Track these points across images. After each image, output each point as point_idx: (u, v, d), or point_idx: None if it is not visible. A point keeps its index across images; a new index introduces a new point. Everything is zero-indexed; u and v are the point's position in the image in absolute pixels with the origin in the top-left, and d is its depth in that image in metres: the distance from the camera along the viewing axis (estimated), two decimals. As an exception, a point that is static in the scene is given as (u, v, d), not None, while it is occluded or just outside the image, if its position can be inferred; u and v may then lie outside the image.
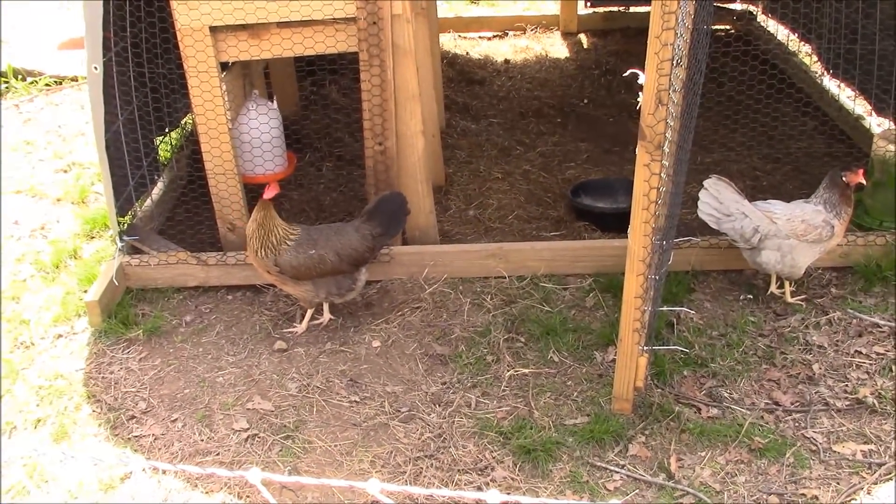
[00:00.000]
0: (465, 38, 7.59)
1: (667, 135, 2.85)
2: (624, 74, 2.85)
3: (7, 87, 6.42)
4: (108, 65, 3.99)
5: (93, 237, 4.68)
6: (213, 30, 3.94)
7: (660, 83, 2.75)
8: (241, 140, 4.43)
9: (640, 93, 2.82)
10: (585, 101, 6.23)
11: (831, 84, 5.88)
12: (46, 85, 6.57)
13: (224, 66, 4.24)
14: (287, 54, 4.09)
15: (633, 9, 7.56)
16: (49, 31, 7.39)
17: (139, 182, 4.47)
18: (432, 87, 4.91)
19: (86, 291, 4.07)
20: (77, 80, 6.53)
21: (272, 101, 4.61)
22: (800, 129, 5.61)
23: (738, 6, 7.50)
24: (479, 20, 7.81)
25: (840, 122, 5.60)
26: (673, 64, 2.78)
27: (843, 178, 3.81)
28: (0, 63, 6.52)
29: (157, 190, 4.78)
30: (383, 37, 3.93)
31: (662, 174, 2.92)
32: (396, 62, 4.04)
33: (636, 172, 2.88)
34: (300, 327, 3.91)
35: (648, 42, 2.73)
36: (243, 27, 3.97)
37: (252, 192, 4.56)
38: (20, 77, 6.60)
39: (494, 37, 7.59)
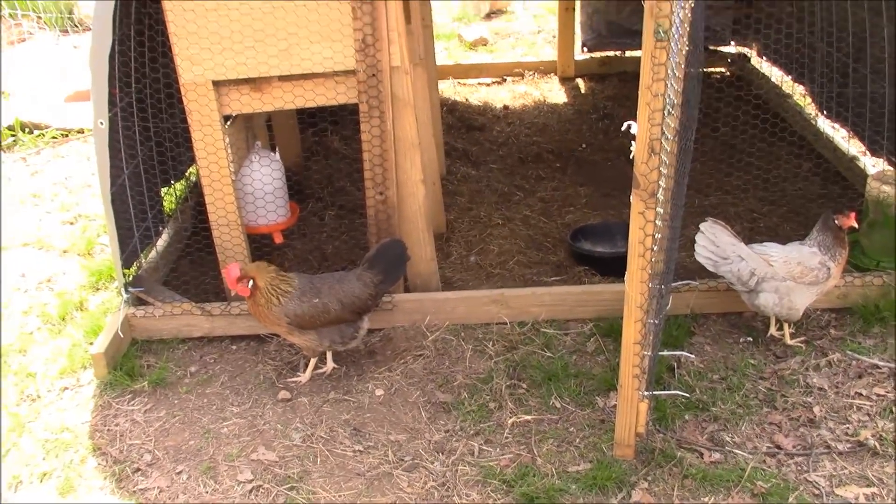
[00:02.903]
0: (464, 84, 7.70)
1: (660, 183, 2.91)
2: (622, 128, 2.91)
3: (14, 141, 6.52)
4: (113, 120, 4.06)
5: (98, 289, 4.73)
6: (216, 84, 4.03)
7: (652, 133, 2.81)
8: (244, 191, 4.50)
9: (633, 142, 2.88)
10: (584, 145, 6.32)
11: (826, 125, 5.96)
12: (53, 137, 6.67)
13: (227, 119, 4.31)
14: (289, 107, 4.17)
15: (628, 53, 7.68)
16: (56, 83, 7.53)
17: (144, 234, 4.53)
18: (432, 135, 4.99)
19: (91, 343, 4.11)
20: (83, 133, 6.63)
21: (275, 152, 4.68)
22: (795, 170, 5.69)
23: (732, 49, 7.61)
24: (477, 67, 7.94)
25: (835, 162, 5.67)
26: (664, 113, 2.84)
27: (836, 221, 3.86)
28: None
29: (161, 241, 4.84)
30: (382, 88, 4.02)
31: (658, 221, 2.97)
32: (396, 113, 4.12)
33: (631, 220, 2.94)
34: (304, 377, 3.94)
35: (640, 93, 2.80)
36: (246, 81, 4.05)
37: (255, 242, 4.63)
38: (27, 130, 6.70)
39: (493, 83, 7.71)
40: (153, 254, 4.70)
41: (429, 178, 4.70)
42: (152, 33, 4.40)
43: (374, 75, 3.99)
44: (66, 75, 7.70)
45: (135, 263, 4.47)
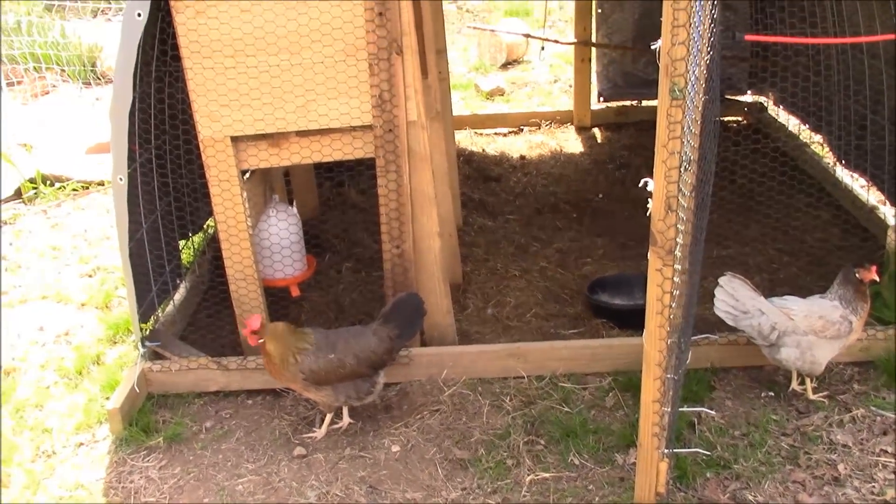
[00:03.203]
0: (481, 134, 7.74)
1: (678, 240, 2.89)
2: (640, 185, 2.90)
3: (36, 193, 6.59)
4: (132, 175, 4.10)
5: (116, 342, 4.74)
6: (235, 139, 4.07)
7: (669, 190, 2.80)
8: (261, 245, 4.52)
9: (650, 199, 2.87)
10: (600, 195, 6.31)
11: (844, 174, 5.94)
12: (74, 190, 6.74)
13: (245, 173, 4.34)
14: (306, 162, 4.20)
15: (645, 103, 7.71)
16: (77, 135, 7.62)
17: (162, 288, 4.55)
18: (448, 187, 5.00)
19: (108, 398, 4.10)
20: (104, 185, 6.70)
21: (292, 206, 4.71)
22: (814, 220, 5.66)
23: (748, 98, 7.62)
24: (493, 117, 7.99)
25: (854, 212, 5.64)
26: (681, 170, 2.83)
27: (857, 275, 3.82)
28: None
29: (179, 294, 4.85)
30: (399, 143, 4.04)
31: (675, 278, 2.94)
32: (412, 167, 4.14)
33: (649, 278, 2.91)
34: (319, 432, 3.91)
35: (656, 150, 2.79)
36: (263, 137, 4.09)
37: (272, 295, 4.63)
38: (49, 182, 6.77)
39: (510, 133, 7.75)
40: (170, 307, 4.71)
41: (445, 230, 4.70)
42: (172, 90, 4.45)
43: (390, 130, 4.01)
44: (87, 127, 7.80)
45: (152, 317, 4.48)
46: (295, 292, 4.71)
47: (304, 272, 4.71)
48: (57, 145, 7.47)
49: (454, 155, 5.70)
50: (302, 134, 4.09)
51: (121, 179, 4.00)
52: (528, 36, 8.96)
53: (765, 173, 5.87)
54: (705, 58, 3.07)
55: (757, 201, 5.87)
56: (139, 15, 3.72)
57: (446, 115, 5.43)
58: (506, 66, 10.24)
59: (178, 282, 4.89)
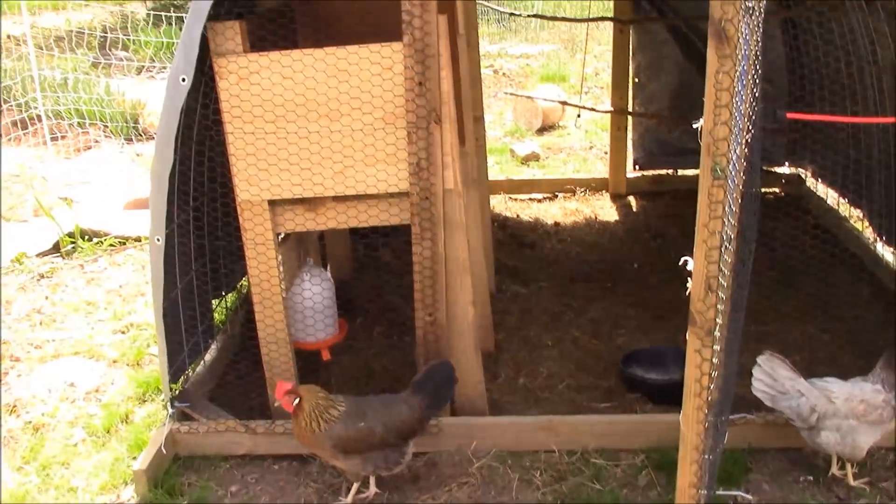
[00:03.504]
0: (515, 199, 7.75)
1: (717, 320, 2.84)
2: (679, 264, 2.86)
3: (74, 248, 6.67)
4: (169, 236, 4.13)
5: (145, 401, 4.73)
6: (272, 203, 4.09)
7: (709, 270, 2.76)
8: (294, 308, 4.51)
9: (689, 278, 2.83)
10: (635, 265, 6.26)
11: (885, 251, 5.84)
12: (111, 245, 6.81)
13: (280, 236, 4.35)
14: (342, 226, 4.21)
15: (680, 172, 7.69)
16: (117, 190, 7.74)
17: (193, 348, 4.55)
18: (482, 254, 4.98)
19: (135, 458, 4.08)
20: (140, 241, 6.77)
21: (325, 269, 4.71)
22: (855, 297, 5.55)
23: (786, 170, 7.58)
24: (529, 182, 8.00)
25: (896, 290, 5.53)
26: (721, 250, 2.79)
27: (902, 359, 3.73)
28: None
29: (210, 354, 4.85)
30: (435, 211, 4.03)
31: (714, 359, 2.88)
32: (448, 235, 4.13)
33: (688, 359, 2.86)
34: (346, 501, 3.84)
35: (696, 229, 2.76)
36: (301, 201, 4.11)
37: (303, 358, 4.60)
38: (87, 237, 6.86)
39: (545, 199, 7.74)
40: (201, 367, 4.71)
41: (478, 297, 4.68)
42: (212, 154, 4.51)
43: (427, 198, 4.01)
44: (126, 182, 7.92)
45: (182, 377, 4.47)
46: (326, 356, 4.69)
47: (335, 336, 4.69)
48: (96, 200, 7.58)
49: (489, 221, 5.69)
50: (339, 199, 4.11)
51: (158, 240, 4.03)
52: (564, 103, 9.03)
53: (803, 247, 5.80)
54: (746, 136, 3.05)
55: (796, 275, 5.79)
56: (183, 80, 3.78)
57: (482, 182, 5.44)
58: (541, 131, 10.30)
59: (209, 341, 4.89)
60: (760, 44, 3.10)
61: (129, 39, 12.52)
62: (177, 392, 4.34)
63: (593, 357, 5.05)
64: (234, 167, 4.03)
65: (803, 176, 7.43)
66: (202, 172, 4.50)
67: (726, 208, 2.74)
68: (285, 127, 3.92)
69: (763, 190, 7.40)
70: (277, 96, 3.88)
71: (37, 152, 9.36)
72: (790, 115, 3.85)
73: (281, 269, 4.22)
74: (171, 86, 3.81)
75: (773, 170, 7.54)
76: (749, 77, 2.99)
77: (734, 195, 2.93)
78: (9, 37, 14.02)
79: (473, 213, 4.84)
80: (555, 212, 7.40)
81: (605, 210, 7.44)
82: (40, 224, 7.04)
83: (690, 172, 7.58)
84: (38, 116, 9.44)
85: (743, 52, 2.80)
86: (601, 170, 8.52)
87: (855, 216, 6.47)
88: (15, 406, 4.68)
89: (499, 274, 6.03)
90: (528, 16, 11.20)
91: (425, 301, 4.17)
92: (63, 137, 9.66)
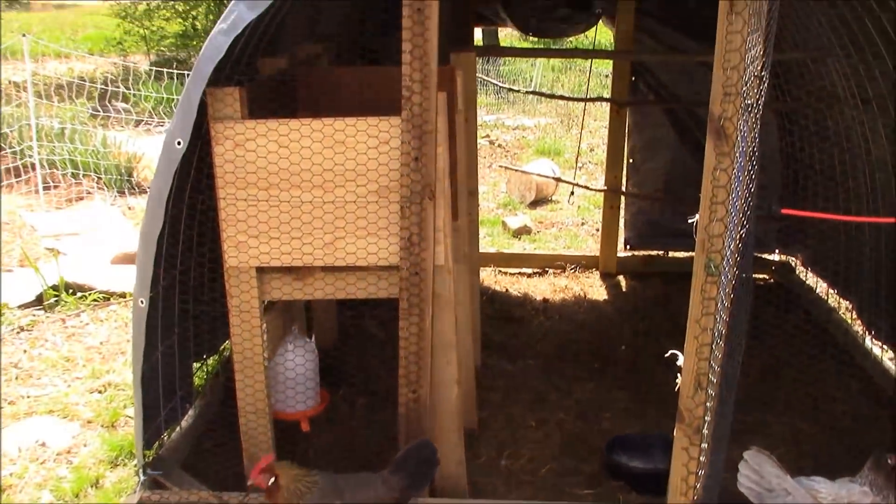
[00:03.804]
0: (505, 273, 7.72)
1: (706, 418, 2.78)
2: (665, 356, 2.82)
3: (57, 301, 6.59)
4: (153, 298, 4.07)
5: (117, 465, 4.60)
6: (260, 271, 4.04)
7: (699, 367, 2.71)
8: (276, 377, 4.44)
9: (679, 374, 2.78)
10: (623, 346, 6.20)
11: (874, 345, 5.81)
12: (94, 300, 6.73)
13: (266, 304, 4.29)
14: (329, 297, 4.16)
15: (672, 253, 7.69)
16: (105, 243, 7.68)
17: (170, 413, 4.45)
18: (470, 330, 4.93)
19: (101, 526, 3.95)
20: (125, 297, 6.69)
21: (310, 339, 4.64)
22: (843, 390, 5.50)
23: (776, 258, 7.59)
24: (519, 256, 7.98)
25: (884, 385, 5.48)
26: (712, 346, 2.75)
27: (889, 461, 3.66)
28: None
29: (187, 419, 4.74)
30: (424, 287, 3.99)
31: (701, 457, 2.82)
32: (436, 311, 4.08)
33: (674, 456, 2.79)
34: (317, 583, 3.71)
35: (688, 325, 2.72)
36: (289, 270, 4.06)
37: (282, 429, 4.50)
38: (71, 291, 6.77)
39: (534, 273, 7.71)
40: (177, 433, 4.60)
41: (463, 375, 4.61)
42: (203, 217, 4.47)
43: (416, 273, 3.97)
44: (115, 236, 7.87)
45: (157, 443, 4.37)
46: (306, 427, 4.59)
47: (316, 407, 4.61)
48: (84, 253, 7.52)
49: (477, 296, 5.65)
50: (328, 269, 4.07)
51: (142, 302, 3.97)
52: (558, 180, 9.07)
53: (792, 337, 5.77)
54: (741, 231, 3.04)
55: (783, 366, 5.74)
56: (179, 143, 3.76)
57: (473, 256, 5.42)
58: (534, 204, 10.33)
59: (187, 406, 4.79)
60: (758, 139, 3.11)
61: (129, 92, 12.59)
62: (150, 458, 4.23)
63: (578, 440, 4.96)
64: (223, 232, 3.98)
65: (794, 264, 7.44)
66: (191, 235, 4.45)
67: (719, 304, 2.71)
68: (278, 195, 3.90)
69: (753, 276, 7.48)
70: (272, 164, 3.86)
71: (28, 201, 9.32)
72: (785, 211, 3.89)
73: (265, 337, 4.15)
74: (166, 148, 3.79)
75: (763, 256, 7.55)
76: (746, 172, 3.00)
77: (726, 289, 2.91)
78: (10, 82, 14.11)
79: (463, 288, 4.80)
80: (544, 288, 7.37)
81: (594, 288, 7.41)
82: (25, 275, 6.97)
83: (681, 254, 7.59)
84: (33, 165, 9.42)
85: (740, 148, 2.81)
86: (592, 246, 8.52)
87: (844, 307, 6.46)
88: (-18, 464, 4.56)
89: (485, 349, 5.97)
90: (527, 92, 11.32)
91: (409, 378, 4.10)
92: (56, 187, 9.64)
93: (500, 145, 14.24)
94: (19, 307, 6.46)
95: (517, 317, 6.69)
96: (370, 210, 3.91)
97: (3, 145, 10.00)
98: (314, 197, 3.90)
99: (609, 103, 7.44)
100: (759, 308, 6.08)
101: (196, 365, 5.00)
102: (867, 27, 4.60)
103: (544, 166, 10.62)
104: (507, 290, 7.30)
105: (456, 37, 6.77)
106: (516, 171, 9.97)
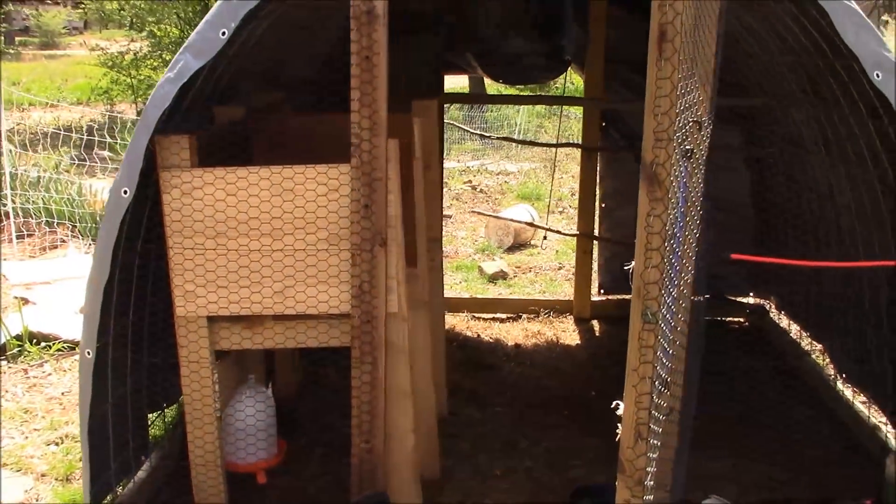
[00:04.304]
0: (479, 318, 7.65)
1: (649, 469, 2.71)
2: (612, 406, 2.77)
3: (20, 351, 6.50)
4: (102, 349, 3.99)
5: (69, 520, 4.50)
6: (210, 320, 3.99)
7: (639, 416, 2.65)
8: (230, 428, 4.36)
9: (620, 424, 2.72)
10: (594, 392, 6.12)
11: (845, 389, 5.75)
12: (59, 350, 6.63)
13: (219, 354, 4.22)
14: (281, 346, 4.11)
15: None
16: (74, 291, 7.60)
17: (122, 466, 4.35)
18: (429, 378, 4.85)
19: (45, 586, 3.83)
20: (90, 346, 6.59)
21: (267, 388, 4.57)
22: (815, 434, 5.42)
23: (750, 300, 7.55)
24: (493, 302, 7.92)
25: (855, 430, 5.41)
26: (653, 396, 2.69)
27: (855, 510, 3.59)
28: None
29: (143, 471, 4.64)
30: (376, 335, 3.93)
31: (647, 510, 2.75)
32: (389, 360, 4.02)
33: (616, 509, 2.72)
34: None
35: (626, 374, 2.67)
36: (240, 319, 4.01)
37: (237, 481, 4.41)
38: (35, 341, 6.69)
39: (508, 319, 7.65)
40: (131, 485, 4.50)
41: (424, 423, 4.55)
42: (156, 267, 4.41)
43: (368, 321, 3.92)
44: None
45: (109, 496, 4.26)
46: (261, 479, 4.49)
47: (272, 458, 4.51)
48: (54, 301, 7.45)
49: (442, 344, 5.57)
50: (279, 318, 4.01)
51: (88, 353, 3.90)
52: (531, 224, 9.06)
53: (764, 381, 5.70)
54: (685, 277, 3.00)
55: (755, 410, 5.66)
56: (125, 192, 3.72)
57: (436, 304, 5.36)
58: (512, 249, 10.30)
59: (142, 458, 4.69)
60: (702, 184, 3.08)
61: (113, 141, 12.59)
62: (99, 513, 4.12)
63: (545, 489, 4.86)
64: (173, 281, 3.94)
65: (767, 307, 7.39)
66: (144, 285, 4.39)
67: (659, 353, 2.65)
68: (226, 244, 3.86)
69: (727, 319, 7.44)
70: (221, 213, 3.83)
71: (1, 249, 9.26)
72: (735, 257, 3.84)
73: (216, 388, 4.08)
74: (113, 197, 3.76)
75: (736, 300, 7.51)
76: (689, 217, 2.96)
77: (671, 337, 2.86)
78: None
79: (422, 335, 4.74)
80: (517, 333, 7.30)
81: (567, 333, 7.35)
82: (-10, 324, 6.88)
83: (656, 299, 7.53)
84: (7, 214, 9.38)
85: (680, 194, 2.78)
86: (568, 291, 8.46)
87: (817, 350, 6.40)
88: (-72, 521, 4.44)
89: (454, 396, 5.88)
90: (498, 138, 11.37)
91: (362, 428, 4.02)
92: (30, 235, 9.58)
93: (481, 190, 14.25)
94: (-27, 357, 6.37)
95: (488, 363, 6.62)
96: (320, 258, 3.87)
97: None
98: (262, 245, 3.86)
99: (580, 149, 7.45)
100: (733, 352, 6.04)
101: (154, 416, 4.91)
102: (825, 74, 4.62)
103: (522, 211, 10.62)
104: (478, 335, 7.23)
105: (427, 83, 6.80)
106: (489, 216, 9.96)
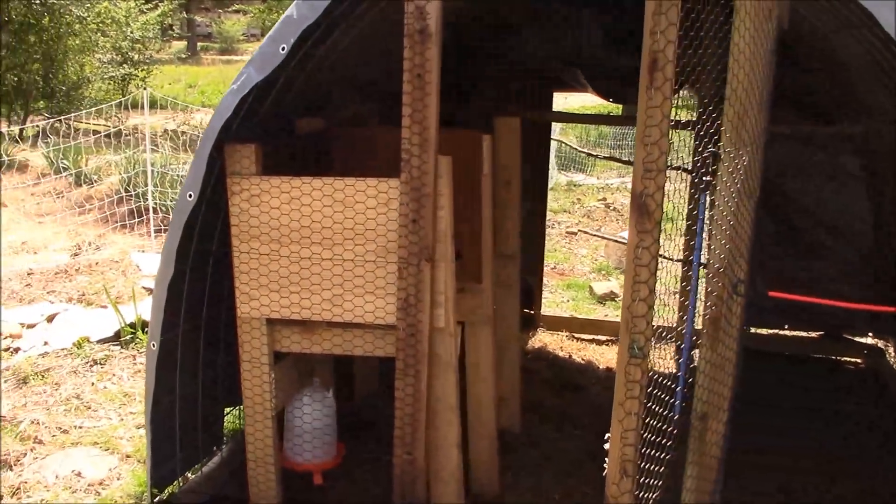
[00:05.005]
0: (576, 338, 7.53)
1: (639, 507, 2.63)
2: (604, 439, 2.70)
3: (132, 338, 6.94)
4: (167, 342, 4.23)
5: (142, 500, 4.77)
6: (270, 322, 4.15)
7: (624, 452, 2.58)
8: (291, 428, 4.51)
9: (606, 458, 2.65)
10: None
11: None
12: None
13: (279, 356, 4.37)
14: (335, 351, 4.22)
15: (762, 330, 7.30)
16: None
17: (189, 456, 4.58)
18: (492, 393, 4.84)
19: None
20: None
21: (328, 392, 4.69)
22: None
23: (869, 340, 7.08)
24: (593, 323, 7.78)
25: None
26: (639, 432, 2.61)
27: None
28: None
29: (213, 462, 4.87)
30: (420, 348, 3.98)
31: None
32: (435, 374, 4.05)
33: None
34: None
35: (613, 409, 2.60)
36: (297, 322, 4.15)
37: (295, 480, 4.55)
38: (145, 329, 7.11)
39: (607, 341, 7.50)
40: (199, 474, 4.74)
41: (485, 437, 4.64)
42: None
43: (413, 335, 3.97)
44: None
45: (174, 483, 4.50)
46: (318, 480, 4.62)
47: (329, 460, 4.63)
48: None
49: (515, 359, 5.52)
50: (332, 325, 4.13)
51: (153, 346, 4.15)
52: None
53: (873, 424, 5.36)
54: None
55: (862, 454, 5.33)
56: (190, 196, 3.95)
57: (508, 319, 5.34)
58: (632, 269, 10.07)
59: (214, 449, 4.93)
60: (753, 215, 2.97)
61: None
62: (166, 496, 4.36)
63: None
64: (237, 282, 4.13)
65: (885, 348, 6.91)
66: (220, 285, 4.61)
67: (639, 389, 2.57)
68: (285, 250, 4.01)
69: (842, 358, 7.01)
70: (279, 219, 3.99)
71: (141, 241, 9.91)
72: (773, 294, 3.63)
73: (273, 387, 4.24)
74: (179, 200, 3.99)
75: (854, 338, 7.06)
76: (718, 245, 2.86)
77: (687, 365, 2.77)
78: (164, 131, 15.13)
79: (485, 350, 4.77)
80: (612, 356, 7.14)
81: (664, 360, 7.10)
82: (111, 311, 7.37)
83: (763, 331, 7.21)
84: (148, 209, 10.03)
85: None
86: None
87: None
88: (19, 488, 4.83)
89: (534, 413, 5.83)
90: (603, 158, 11.14)
91: (404, 439, 4.07)
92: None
93: (615, 209, 14.01)
94: (98, 342, 6.84)
95: (575, 384, 6.52)
96: (368, 269, 3.95)
97: (127, 188, 10.71)
98: (313, 253, 3.99)
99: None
100: (840, 393, 5.72)
101: (231, 410, 5.14)
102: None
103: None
104: (570, 355, 7.13)
105: (529, 102, 6.81)
106: (593, 236, 9.80)
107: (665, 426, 2.89)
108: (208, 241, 4.39)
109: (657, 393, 2.90)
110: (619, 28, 6.31)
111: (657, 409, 2.92)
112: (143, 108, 10.85)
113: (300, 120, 4.72)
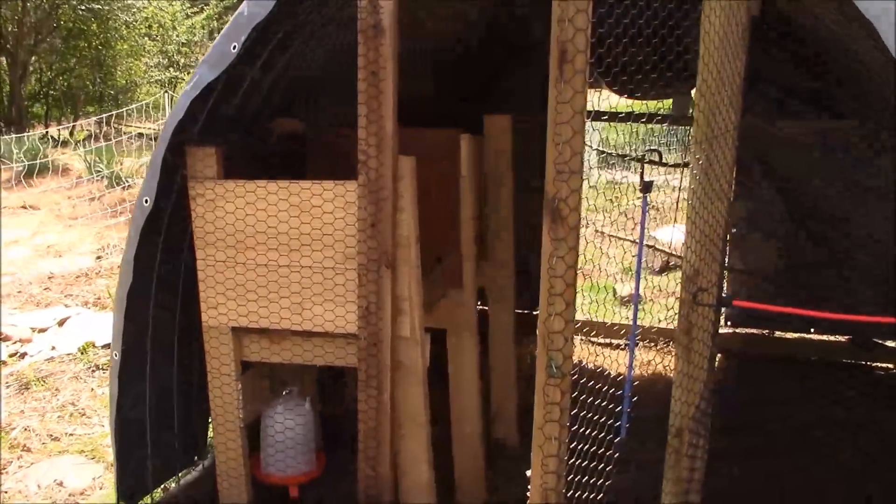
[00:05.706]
0: (592, 342, 7.29)
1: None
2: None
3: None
4: (131, 351, 4.13)
5: (118, 509, 4.70)
6: (236, 331, 4.02)
7: (545, 481, 2.38)
8: (266, 439, 4.38)
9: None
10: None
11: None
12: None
13: (246, 366, 4.23)
14: (300, 361, 4.07)
15: (777, 334, 6.98)
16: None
17: (163, 467, 4.48)
18: (478, 402, 4.66)
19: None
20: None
21: (305, 401, 4.54)
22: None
23: (901, 345, 6.70)
24: (608, 327, 7.46)
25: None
26: (560, 458, 2.39)
27: None
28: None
29: (195, 472, 4.77)
30: (382, 358, 3.80)
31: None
32: (399, 384, 3.88)
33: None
34: None
35: (533, 433, 2.39)
36: (264, 331, 4.01)
37: (270, 494, 4.42)
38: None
39: (623, 345, 7.23)
40: (178, 485, 4.64)
41: (469, 448, 4.47)
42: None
43: (374, 344, 3.80)
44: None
45: (147, 495, 4.41)
46: (293, 492, 4.48)
47: (307, 472, 4.47)
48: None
49: (511, 367, 5.31)
50: (298, 333, 3.98)
51: (116, 356, 4.05)
52: (652, 247, 8.53)
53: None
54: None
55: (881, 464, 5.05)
56: (146, 202, 3.83)
57: (503, 323, 5.15)
58: (662, 271, 9.76)
59: (196, 458, 4.82)
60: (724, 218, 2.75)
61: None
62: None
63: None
64: (202, 291, 4.00)
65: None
66: (190, 294, 4.49)
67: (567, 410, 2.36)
68: (239, 256, 3.87)
69: (874, 363, 6.64)
70: (235, 224, 3.85)
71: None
72: (736, 303, 3.38)
73: (240, 398, 4.11)
74: (136, 207, 3.88)
75: (886, 343, 6.68)
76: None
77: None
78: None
79: (469, 358, 4.58)
80: (623, 362, 6.87)
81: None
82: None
83: (789, 336, 6.88)
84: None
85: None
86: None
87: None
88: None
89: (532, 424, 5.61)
90: (632, 158, 10.80)
91: (368, 453, 3.90)
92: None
93: (655, 207, 13.63)
94: (103, 346, 6.82)
95: (579, 393, 6.26)
96: (326, 276, 3.80)
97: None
98: (272, 259, 3.84)
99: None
100: (866, 399, 5.45)
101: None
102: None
103: (676, 232, 10.02)
104: (581, 361, 6.88)
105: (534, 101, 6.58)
106: (609, 236, 9.51)
107: (604, 450, 2.67)
108: (178, 248, 4.28)
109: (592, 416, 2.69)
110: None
111: (595, 432, 2.71)
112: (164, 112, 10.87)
113: (277, 120, 4.60)
